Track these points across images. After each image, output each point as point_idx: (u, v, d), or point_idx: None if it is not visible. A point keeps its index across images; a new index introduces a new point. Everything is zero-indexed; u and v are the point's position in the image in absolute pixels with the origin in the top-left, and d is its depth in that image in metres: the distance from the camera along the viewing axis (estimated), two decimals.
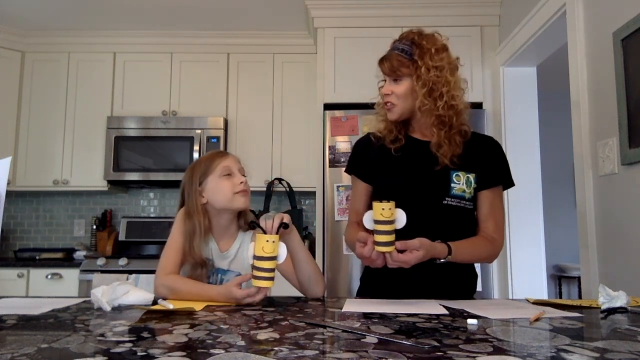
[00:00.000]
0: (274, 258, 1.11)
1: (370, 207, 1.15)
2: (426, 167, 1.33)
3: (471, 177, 1.33)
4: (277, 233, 1.16)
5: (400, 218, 1.11)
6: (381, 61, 1.35)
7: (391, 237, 1.10)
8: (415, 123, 1.37)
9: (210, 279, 1.37)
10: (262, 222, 1.19)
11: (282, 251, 1.14)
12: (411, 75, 1.29)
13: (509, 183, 1.40)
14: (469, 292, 1.40)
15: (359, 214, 1.37)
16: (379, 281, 1.39)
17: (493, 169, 1.36)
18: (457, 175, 1.32)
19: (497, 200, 1.37)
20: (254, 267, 1.11)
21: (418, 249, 1.12)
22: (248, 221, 1.43)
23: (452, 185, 1.31)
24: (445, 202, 1.31)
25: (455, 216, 1.32)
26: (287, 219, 1.21)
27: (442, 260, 1.21)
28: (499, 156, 1.39)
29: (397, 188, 1.34)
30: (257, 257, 1.10)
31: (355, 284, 2.68)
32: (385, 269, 1.20)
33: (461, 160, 1.31)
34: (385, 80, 1.36)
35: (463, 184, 1.31)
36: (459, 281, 1.37)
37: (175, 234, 1.38)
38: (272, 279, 1.10)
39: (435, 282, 1.31)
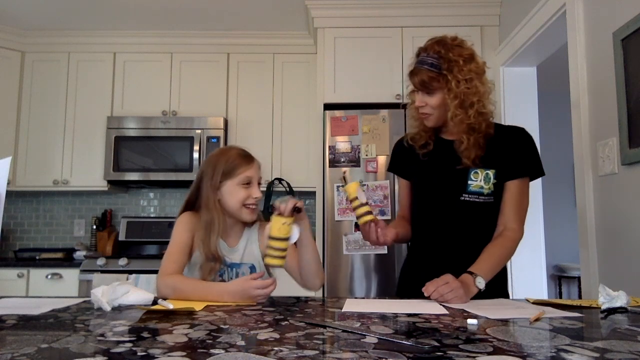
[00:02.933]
0: (287, 239, 1.21)
1: (411, 202, 1.50)
2: (448, 166, 1.39)
3: (490, 173, 1.37)
4: (291, 216, 1.23)
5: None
6: (411, 75, 1.38)
7: (364, 209, 1.30)
8: (447, 126, 1.42)
9: (224, 275, 1.39)
10: (279, 205, 1.24)
11: (295, 233, 1.23)
12: (442, 88, 1.34)
13: (535, 173, 1.40)
14: (502, 289, 1.41)
15: (403, 208, 1.57)
16: (418, 278, 1.39)
17: (515, 161, 1.37)
18: (475, 172, 1.37)
19: (519, 191, 1.38)
20: (268, 247, 1.20)
21: (447, 281, 1.18)
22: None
23: (469, 182, 1.37)
24: (463, 198, 1.37)
25: (473, 211, 1.37)
26: (300, 203, 1.27)
27: (481, 286, 1.23)
28: (522, 147, 1.39)
29: (421, 187, 1.47)
30: (271, 238, 1.19)
31: (355, 284, 2.69)
32: (423, 267, 1.39)
33: (482, 158, 1.36)
34: (415, 90, 1.40)
35: (481, 180, 1.36)
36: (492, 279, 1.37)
37: (176, 233, 1.38)
38: (284, 257, 1.21)
39: None
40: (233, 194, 1.39)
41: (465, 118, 1.33)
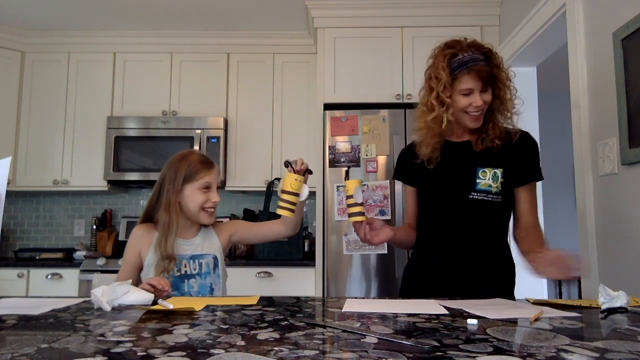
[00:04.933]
0: (297, 194, 1.35)
1: (417, 209, 1.51)
2: (456, 166, 1.41)
3: (498, 172, 1.38)
4: (302, 175, 1.37)
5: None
6: (472, 71, 1.32)
7: (357, 209, 1.33)
8: (457, 127, 1.43)
9: (187, 266, 1.48)
10: (295, 162, 1.38)
11: (305, 191, 1.36)
12: (493, 83, 1.35)
13: (539, 177, 1.43)
14: (508, 288, 1.43)
15: (409, 215, 1.57)
16: (424, 277, 1.45)
17: (527, 165, 1.40)
18: (483, 171, 1.38)
19: (532, 195, 1.42)
20: (280, 200, 1.35)
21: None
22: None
23: (478, 180, 1.38)
24: (471, 196, 1.38)
25: (482, 209, 1.38)
26: (307, 165, 1.41)
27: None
28: (532, 152, 1.42)
29: (429, 187, 1.46)
30: (284, 192, 1.34)
31: (355, 284, 2.69)
32: (430, 266, 1.41)
33: (489, 157, 1.38)
34: (465, 93, 1.35)
35: (489, 179, 1.38)
36: (498, 277, 1.41)
37: (126, 249, 1.51)
38: (293, 210, 1.36)
39: (476, 278, 1.37)
40: (192, 197, 1.47)
41: (511, 102, 1.37)
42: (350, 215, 1.35)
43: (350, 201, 1.34)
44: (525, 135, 1.43)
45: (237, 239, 1.64)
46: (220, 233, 1.58)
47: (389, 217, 2.66)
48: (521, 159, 1.39)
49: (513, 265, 1.45)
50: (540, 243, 1.35)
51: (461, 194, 1.39)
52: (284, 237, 1.62)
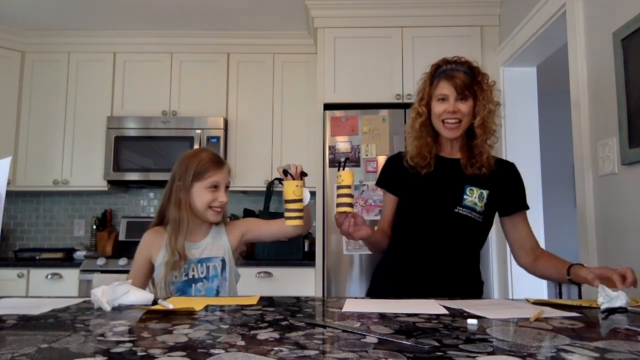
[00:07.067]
0: (301, 200, 1.32)
1: (394, 216, 1.51)
2: (445, 180, 1.43)
3: (484, 193, 1.42)
4: (300, 179, 1.36)
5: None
6: (449, 78, 1.39)
7: (350, 200, 1.31)
8: (446, 142, 1.47)
9: (195, 270, 1.47)
10: (290, 170, 1.36)
11: (307, 195, 1.34)
12: (472, 96, 1.39)
13: (527, 207, 1.52)
14: (474, 294, 1.46)
15: (385, 221, 1.56)
16: (390, 281, 1.48)
17: (521, 194, 1.48)
18: (470, 189, 1.41)
19: (527, 221, 1.51)
20: (286, 211, 1.31)
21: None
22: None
23: (465, 197, 1.41)
24: (457, 210, 1.40)
25: (465, 225, 1.41)
26: (302, 168, 1.40)
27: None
28: (521, 182, 1.50)
29: (418, 197, 1.46)
30: (288, 201, 1.30)
31: (355, 284, 2.69)
32: (396, 270, 1.44)
33: (477, 179, 1.42)
34: (442, 98, 1.40)
35: (475, 197, 1.41)
36: (464, 284, 1.44)
37: (137, 254, 1.50)
38: (302, 217, 1.33)
39: (442, 283, 1.39)
40: (200, 196, 1.46)
41: (491, 123, 1.41)
42: (340, 205, 1.32)
43: (345, 191, 1.31)
44: (513, 167, 1.51)
45: (249, 238, 1.62)
46: (230, 233, 1.57)
47: None
48: (512, 187, 1.47)
49: (481, 281, 1.50)
50: (558, 258, 1.44)
51: (448, 207, 1.41)
52: (297, 235, 1.59)
